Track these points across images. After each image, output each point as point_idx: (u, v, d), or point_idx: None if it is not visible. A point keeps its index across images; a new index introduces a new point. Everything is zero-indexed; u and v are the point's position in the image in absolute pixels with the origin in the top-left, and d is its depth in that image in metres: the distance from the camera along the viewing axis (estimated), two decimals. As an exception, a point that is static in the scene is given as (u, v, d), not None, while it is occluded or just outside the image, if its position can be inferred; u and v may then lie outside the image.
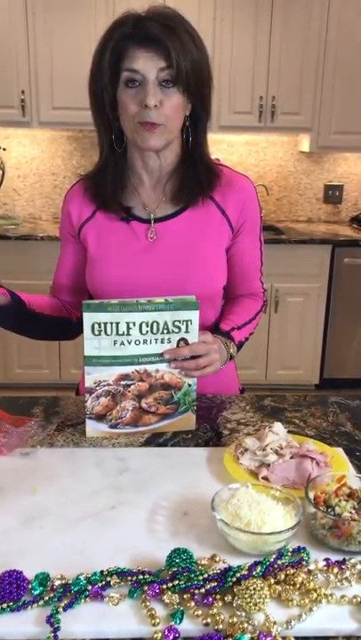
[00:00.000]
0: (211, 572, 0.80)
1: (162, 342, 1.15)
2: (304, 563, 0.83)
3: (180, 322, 1.15)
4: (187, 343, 1.16)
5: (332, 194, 4.19)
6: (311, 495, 0.91)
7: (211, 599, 0.77)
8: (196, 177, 1.31)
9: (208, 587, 0.78)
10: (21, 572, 0.79)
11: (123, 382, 1.16)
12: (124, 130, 1.27)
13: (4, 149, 3.89)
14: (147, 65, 1.18)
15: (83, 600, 0.78)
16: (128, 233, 1.33)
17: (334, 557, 0.84)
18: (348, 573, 0.81)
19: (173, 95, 1.21)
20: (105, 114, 1.28)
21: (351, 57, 3.65)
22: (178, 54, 1.17)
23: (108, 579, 0.80)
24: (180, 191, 1.32)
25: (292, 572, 0.80)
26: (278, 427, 1.12)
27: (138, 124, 1.22)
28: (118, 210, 1.34)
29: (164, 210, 1.34)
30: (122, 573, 0.81)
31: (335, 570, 0.82)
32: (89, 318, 1.12)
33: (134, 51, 1.19)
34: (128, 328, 1.13)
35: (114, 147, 1.31)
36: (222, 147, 3.97)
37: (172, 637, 0.73)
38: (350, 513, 0.88)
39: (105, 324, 1.13)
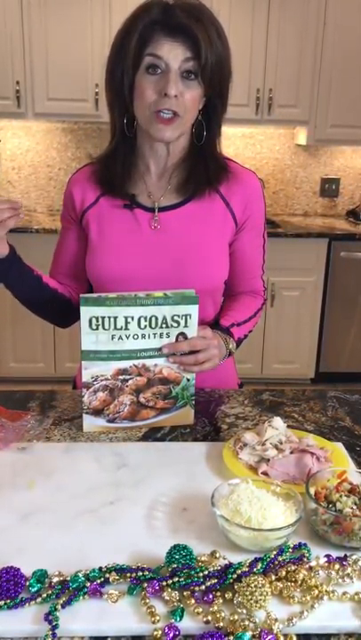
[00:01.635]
0: (211, 569, 0.79)
1: (161, 337, 1.14)
2: (305, 559, 0.82)
3: (179, 316, 1.14)
4: (186, 338, 1.15)
5: (329, 187, 4.18)
6: (312, 491, 0.91)
7: (211, 596, 0.76)
8: (205, 170, 1.30)
9: (208, 584, 0.77)
10: (19, 569, 0.78)
11: (121, 377, 1.15)
12: (137, 116, 1.25)
13: (0, 141, 3.86)
14: (171, 53, 1.16)
15: (81, 597, 0.76)
16: (131, 221, 1.32)
17: (335, 554, 0.84)
18: (349, 570, 0.81)
19: (193, 88, 1.20)
20: (122, 97, 1.24)
21: (349, 50, 3.63)
22: (205, 46, 1.16)
23: (107, 575, 0.79)
24: (186, 182, 1.31)
25: (293, 568, 0.80)
26: (278, 421, 1.11)
27: (154, 113, 1.20)
28: (124, 195, 1.32)
29: (168, 199, 1.32)
30: (121, 570, 0.80)
31: (336, 566, 0.81)
32: (86, 312, 1.11)
33: (160, 37, 1.17)
34: (126, 322, 1.12)
35: (125, 131, 1.28)
36: (219, 139, 3.94)
37: (172, 635, 0.72)
38: (351, 509, 0.87)
39: (103, 318, 1.11)
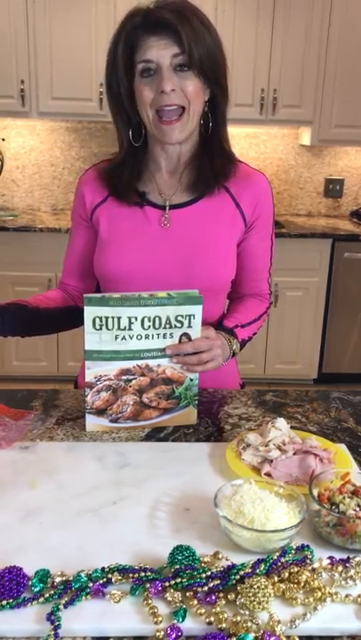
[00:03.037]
0: (214, 570, 0.79)
1: (164, 337, 1.14)
2: (308, 561, 0.82)
3: (182, 317, 1.13)
4: (189, 338, 1.15)
5: (333, 188, 4.17)
6: (315, 492, 0.90)
7: (214, 597, 0.76)
8: (212, 164, 1.30)
9: (211, 585, 0.77)
10: (21, 569, 0.78)
11: (124, 377, 1.15)
12: (143, 122, 1.26)
13: (3, 140, 3.86)
14: (160, 53, 1.18)
15: (84, 597, 0.76)
16: (141, 218, 1.32)
17: (338, 555, 0.83)
18: (352, 572, 0.80)
19: (190, 78, 1.21)
20: (123, 108, 1.27)
21: (353, 50, 3.62)
22: (190, 39, 1.17)
23: (110, 575, 0.79)
24: (196, 181, 1.31)
25: (296, 570, 0.79)
26: (281, 422, 1.10)
27: (156, 115, 1.21)
28: (132, 197, 1.32)
29: (179, 197, 1.33)
30: (123, 570, 0.80)
31: (340, 568, 0.81)
32: (90, 312, 1.11)
33: (146, 40, 1.18)
34: (130, 323, 1.11)
35: (131, 142, 1.30)
36: (223, 139, 3.94)
37: (174, 636, 0.71)
38: (355, 510, 0.87)
39: (106, 318, 1.11)
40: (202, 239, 1.31)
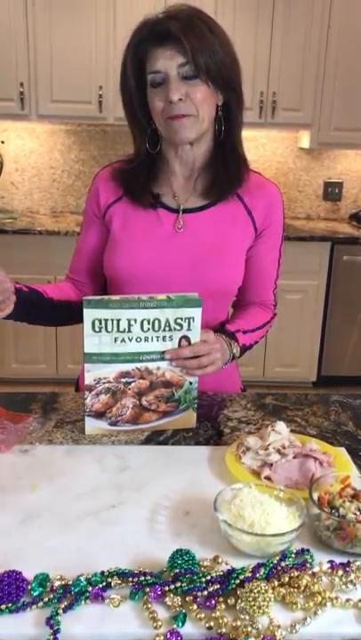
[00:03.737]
0: (213, 574, 0.79)
1: (163, 340, 1.13)
2: (308, 565, 0.81)
3: (182, 319, 1.13)
4: (189, 341, 1.15)
5: (332, 191, 4.17)
6: (315, 496, 0.90)
7: (213, 602, 0.76)
8: (227, 170, 1.31)
9: (211, 589, 0.77)
10: (20, 573, 0.78)
11: (123, 379, 1.14)
12: (159, 129, 1.28)
13: (3, 142, 3.86)
14: (166, 63, 1.20)
15: (83, 601, 0.76)
16: (155, 220, 1.33)
17: (339, 560, 0.83)
18: (352, 576, 0.80)
19: (198, 86, 1.21)
20: (137, 119, 1.30)
21: (353, 54, 3.63)
22: (194, 48, 1.17)
23: (109, 580, 0.78)
24: (211, 187, 1.32)
25: (296, 574, 0.79)
26: (281, 426, 1.10)
27: (167, 118, 1.23)
28: (147, 199, 1.33)
29: (193, 202, 1.34)
30: (123, 574, 0.79)
31: (340, 572, 0.81)
32: (89, 315, 1.11)
33: (153, 51, 1.20)
34: (129, 325, 1.11)
35: (147, 149, 1.31)
36: (222, 142, 3.94)
37: (174, 641, 0.71)
38: (355, 514, 0.87)
39: (105, 320, 1.11)
40: (213, 244, 1.31)
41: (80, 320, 1.38)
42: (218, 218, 1.33)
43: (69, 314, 1.36)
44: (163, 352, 1.14)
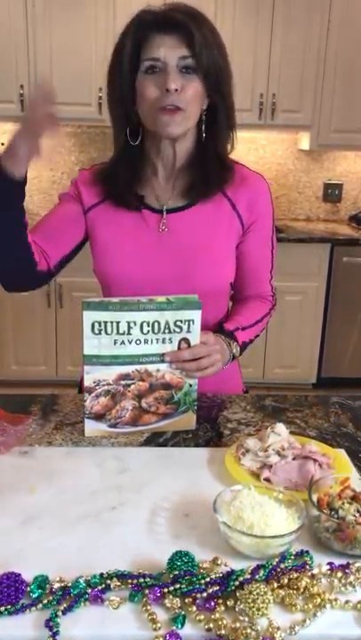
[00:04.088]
0: (213, 576, 0.79)
1: (163, 342, 1.13)
2: (307, 567, 0.81)
3: (181, 321, 1.13)
4: (188, 343, 1.15)
5: (332, 192, 4.18)
6: (315, 498, 0.90)
7: (213, 603, 0.76)
8: (206, 172, 1.30)
9: (210, 591, 0.77)
10: (19, 575, 0.78)
11: (122, 382, 1.15)
12: (142, 119, 1.25)
13: (3, 144, 3.86)
14: (168, 52, 1.18)
15: (82, 603, 0.76)
16: (140, 222, 1.32)
17: (338, 561, 0.83)
18: (352, 578, 0.80)
19: (194, 81, 1.21)
20: (122, 105, 1.26)
21: (352, 55, 3.63)
22: (201, 43, 1.18)
23: (109, 581, 0.78)
24: (189, 188, 1.31)
25: (295, 576, 0.79)
26: (280, 427, 1.10)
27: (158, 109, 1.21)
28: (131, 200, 1.32)
29: (175, 202, 1.33)
30: (122, 576, 0.79)
31: (339, 574, 0.81)
32: (89, 317, 1.11)
33: (155, 38, 1.19)
34: (129, 327, 1.11)
35: (129, 142, 1.29)
36: (222, 144, 3.94)
37: (173, 642, 0.71)
38: (354, 516, 0.87)
39: (105, 322, 1.11)
40: (199, 243, 1.31)
41: (19, 256, 1.25)
42: (202, 216, 1.32)
43: (20, 247, 1.24)
44: (162, 354, 1.14)
